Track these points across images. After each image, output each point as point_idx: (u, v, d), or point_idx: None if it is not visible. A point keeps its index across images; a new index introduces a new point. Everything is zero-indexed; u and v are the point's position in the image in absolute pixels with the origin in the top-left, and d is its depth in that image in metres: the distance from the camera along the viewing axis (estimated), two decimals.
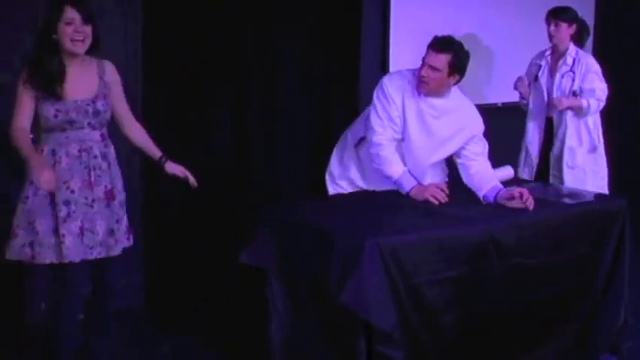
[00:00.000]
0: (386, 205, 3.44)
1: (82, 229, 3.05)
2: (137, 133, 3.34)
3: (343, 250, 2.89)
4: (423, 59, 3.45)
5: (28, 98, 3.02)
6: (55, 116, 3.03)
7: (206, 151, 4.36)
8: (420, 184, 3.55)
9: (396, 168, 3.57)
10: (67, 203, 3.03)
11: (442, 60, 3.40)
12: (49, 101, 3.02)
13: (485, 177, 3.55)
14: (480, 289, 3.10)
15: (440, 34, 3.54)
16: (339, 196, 3.82)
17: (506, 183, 3.74)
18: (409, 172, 3.57)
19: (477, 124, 3.63)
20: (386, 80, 3.62)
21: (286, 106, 4.54)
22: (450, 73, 3.45)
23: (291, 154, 4.56)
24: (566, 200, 3.59)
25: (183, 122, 4.28)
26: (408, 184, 3.54)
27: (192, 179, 3.34)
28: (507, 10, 5.26)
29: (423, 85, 3.47)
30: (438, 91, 3.51)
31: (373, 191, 3.71)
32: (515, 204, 3.36)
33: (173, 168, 3.34)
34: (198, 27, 4.19)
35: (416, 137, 3.59)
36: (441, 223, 3.15)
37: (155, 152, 3.34)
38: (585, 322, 3.48)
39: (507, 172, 3.88)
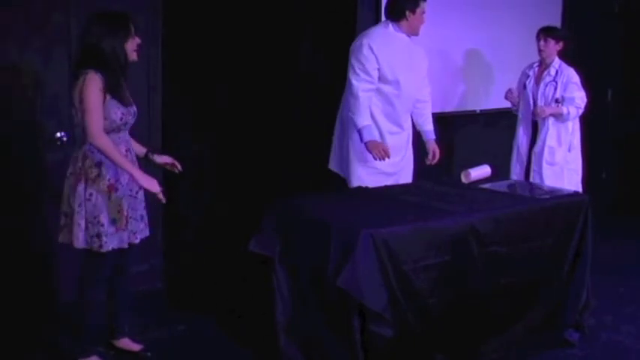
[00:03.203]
0: (378, 199, 3.47)
1: (127, 217, 3.14)
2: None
3: (340, 239, 2.94)
4: (422, 12, 3.91)
5: (101, 103, 3.00)
6: (121, 119, 3.08)
7: (219, 150, 4.39)
8: (376, 140, 3.87)
9: (363, 119, 3.85)
10: (121, 198, 3.11)
11: None
12: (116, 105, 3.05)
13: (425, 120, 4.18)
14: (461, 274, 3.14)
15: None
16: (337, 192, 3.89)
17: (484, 180, 3.86)
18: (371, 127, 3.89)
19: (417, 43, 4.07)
20: (365, 39, 3.87)
21: (293, 110, 4.58)
22: None
23: (295, 153, 4.60)
24: (537, 196, 3.65)
25: (199, 123, 4.32)
26: (368, 136, 3.83)
27: (178, 166, 3.38)
28: (488, 28, 5.32)
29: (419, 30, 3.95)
30: None
31: (367, 187, 3.78)
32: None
33: (161, 159, 3.39)
34: (215, 35, 4.23)
35: (407, 76, 3.93)
36: (427, 216, 3.18)
37: (141, 149, 3.37)
38: (553, 302, 3.50)
39: (485, 170, 3.94)
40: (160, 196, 3.11)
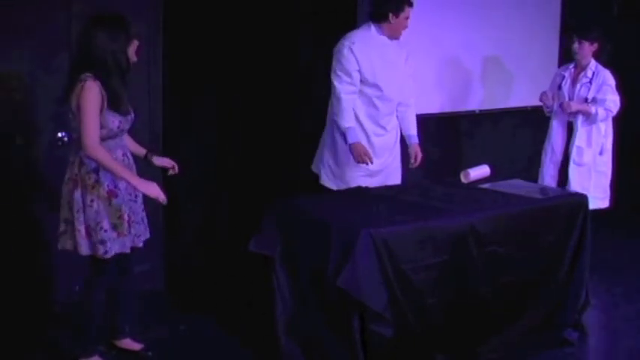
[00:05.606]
0: (378, 199, 3.45)
1: (129, 221, 3.11)
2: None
3: (340, 239, 2.94)
4: (405, 17, 3.83)
5: (99, 112, 2.93)
6: (118, 127, 3.04)
7: (219, 150, 4.38)
8: (360, 143, 3.84)
9: (347, 120, 3.84)
10: (121, 204, 3.07)
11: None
12: (113, 113, 2.99)
13: (408, 124, 4.08)
14: (460, 274, 3.13)
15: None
16: (337, 192, 3.88)
17: (484, 180, 3.85)
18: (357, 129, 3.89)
19: (403, 44, 4.01)
20: (346, 41, 3.84)
21: (293, 110, 4.57)
22: None
23: (295, 153, 4.57)
24: (537, 196, 3.63)
25: (199, 123, 4.33)
26: (352, 137, 3.82)
27: (176, 168, 3.35)
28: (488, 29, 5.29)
29: (401, 34, 3.90)
30: None
31: (366, 187, 3.77)
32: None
33: (160, 160, 3.35)
34: (215, 36, 4.23)
35: (388, 78, 3.88)
36: (427, 216, 3.17)
37: (141, 150, 3.34)
38: (552, 302, 3.50)
39: (484, 170, 3.92)
40: (162, 197, 3.05)
